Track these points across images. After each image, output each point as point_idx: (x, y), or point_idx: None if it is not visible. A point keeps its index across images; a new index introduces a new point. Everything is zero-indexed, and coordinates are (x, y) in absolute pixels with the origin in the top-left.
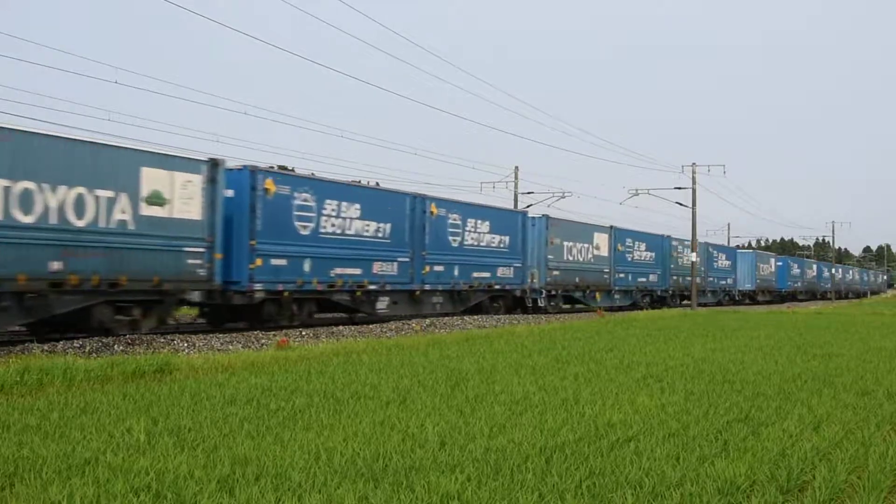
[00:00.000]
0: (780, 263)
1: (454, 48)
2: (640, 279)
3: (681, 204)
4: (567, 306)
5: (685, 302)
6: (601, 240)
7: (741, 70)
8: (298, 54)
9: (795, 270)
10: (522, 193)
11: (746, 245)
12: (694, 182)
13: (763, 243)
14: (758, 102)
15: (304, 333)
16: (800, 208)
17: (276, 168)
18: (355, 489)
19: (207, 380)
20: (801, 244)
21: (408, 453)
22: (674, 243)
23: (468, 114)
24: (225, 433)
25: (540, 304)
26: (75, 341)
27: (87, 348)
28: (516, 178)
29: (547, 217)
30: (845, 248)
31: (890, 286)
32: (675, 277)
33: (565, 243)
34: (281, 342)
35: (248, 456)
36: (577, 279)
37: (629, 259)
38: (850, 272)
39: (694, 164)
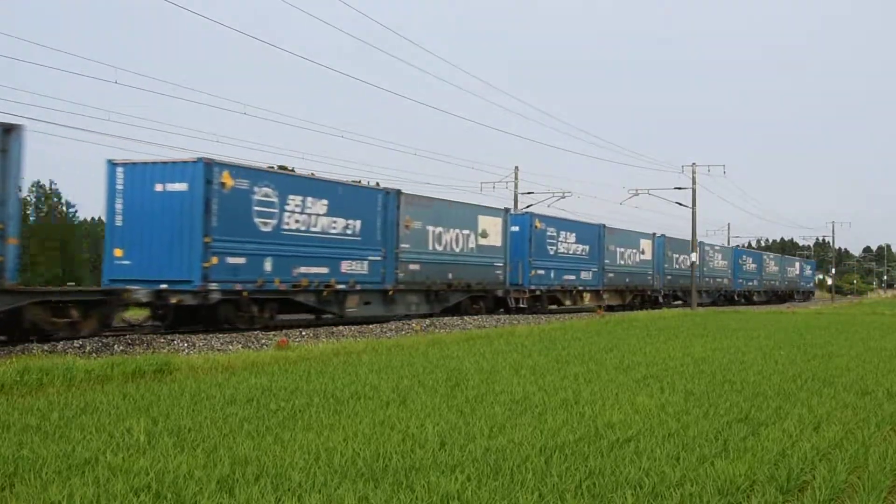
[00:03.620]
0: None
1: (454, 48)
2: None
3: (681, 204)
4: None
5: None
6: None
7: (742, 70)
8: (298, 54)
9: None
10: (522, 193)
11: (746, 245)
12: (694, 182)
13: (763, 243)
14: (758, 103)
15: (303, 333)
16: (800, 208)
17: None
18: (355, 489)
19: (207, 380)
20: (801, 244)
21: (408, 453)
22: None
23: (468, 114)
24: (225, 433)
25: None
26: (75, 341)
27: (87, 348)
28: (516, 178)
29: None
30: (845, 248)
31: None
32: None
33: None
34: (281, 342)
35: (248, 456)
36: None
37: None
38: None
39: (694, 164)
